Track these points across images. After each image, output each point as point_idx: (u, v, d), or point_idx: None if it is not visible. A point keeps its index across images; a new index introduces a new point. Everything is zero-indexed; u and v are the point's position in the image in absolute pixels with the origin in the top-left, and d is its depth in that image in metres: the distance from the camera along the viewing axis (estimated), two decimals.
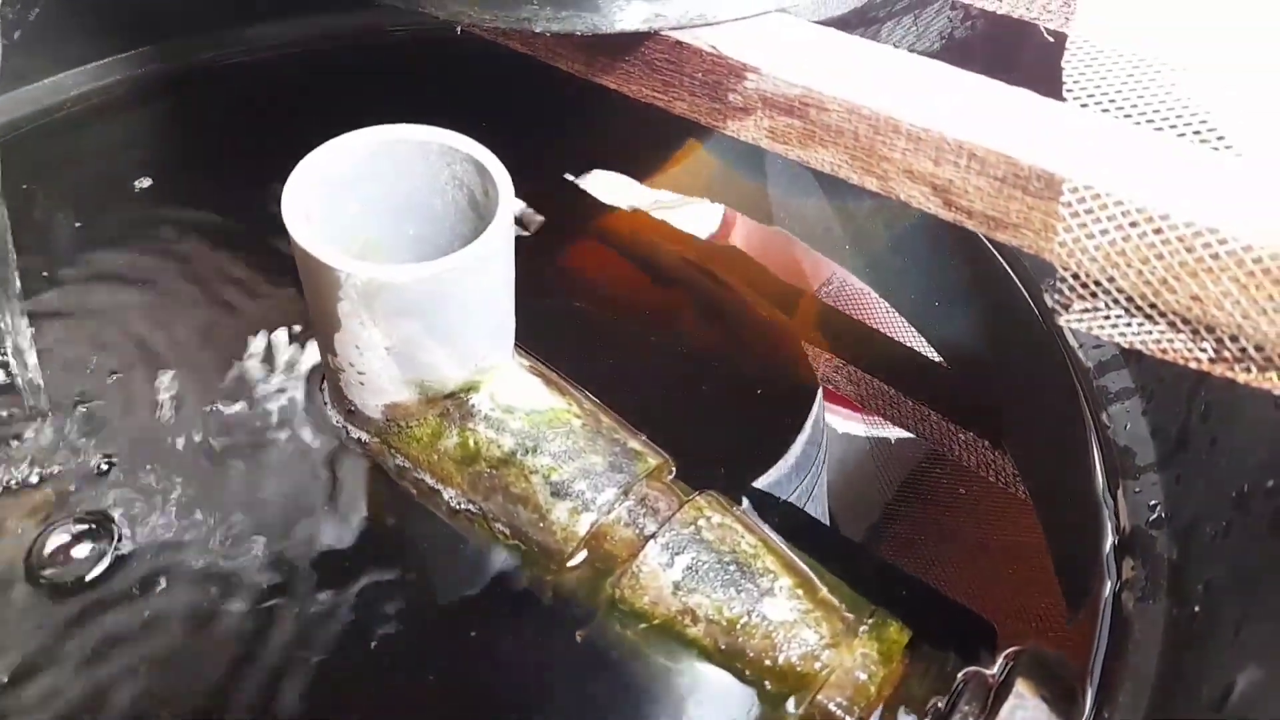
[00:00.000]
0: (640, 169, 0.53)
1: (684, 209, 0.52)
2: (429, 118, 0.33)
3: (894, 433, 0.45)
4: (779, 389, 0.45)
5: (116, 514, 0.34)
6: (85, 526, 0.33)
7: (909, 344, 0.48)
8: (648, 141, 0.54)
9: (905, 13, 0.46)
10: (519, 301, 0.35)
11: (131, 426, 0.36)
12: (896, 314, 0.49)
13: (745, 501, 0.37)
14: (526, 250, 0.47)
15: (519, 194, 0.49)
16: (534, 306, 0.43)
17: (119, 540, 0.33)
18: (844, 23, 0.48)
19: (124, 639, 0.31)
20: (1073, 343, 0.40)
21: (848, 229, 0.53)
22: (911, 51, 0.48)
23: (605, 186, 0.52)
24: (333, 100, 0.51)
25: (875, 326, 0.48)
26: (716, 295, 0.49)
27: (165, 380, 0.38)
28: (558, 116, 0.53)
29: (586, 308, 0.46)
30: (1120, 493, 0.34)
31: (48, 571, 0.32)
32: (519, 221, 0.47)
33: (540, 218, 0.47)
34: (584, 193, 0.51)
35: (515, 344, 0.36)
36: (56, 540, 0.33)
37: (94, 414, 0.37)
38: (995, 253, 0.46)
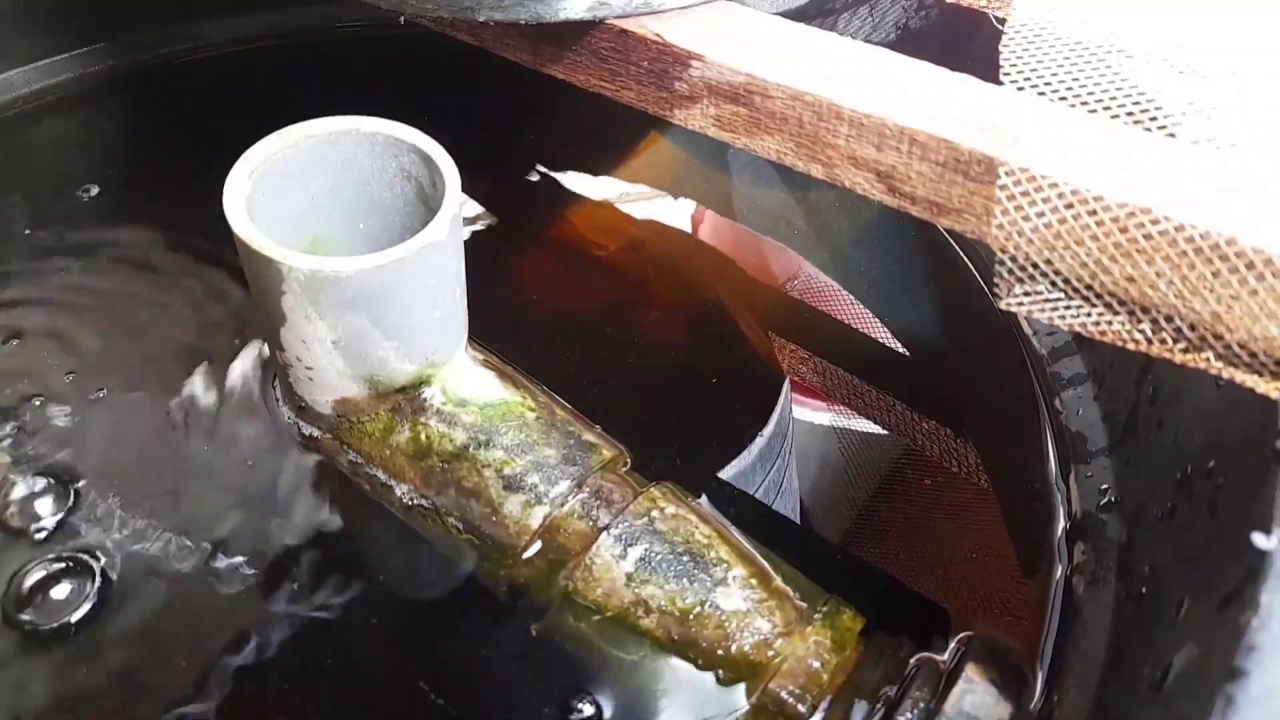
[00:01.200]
0: (604, 161, 0.52)
1: (654, 203, 0.52)
2: (391, 114, 0.33)
3: (863, 425, 0.45)
4: (744, 382, 0.45)
5: (66, 518, 0.34)
6: (28, 528, 0.33)
7: (873, 336, 0.48)
8: (612, 134, 0.54)
9: (861, 3, 0.46)
10: (477, 294, 0.35)
11: (82, 431, 0.36)
12: (861, 306, 0.49)
13: (707, 494, 0.37)
14: (489, 243, 0.48)
15: (484, 187, 0.49)
16: (494, 299, 0.43)
17: (69, 543, 0.33)
18: (801, 13, 0.48)
19: (71, 632, 0.31)
20: (1027, 330, 0.40)
21: (811, 221, 0.53)
22: (867, 41, 0.48)
23: (572, 179, 0.51)
24: (290, 97, 0.50)
25: (841, 319, 0.49)
26: (683, 289, 0.49)
27: (115, 383, 0.38)
28: (521, 109, 0.52)
29: (550, 301, 0.46)
30: (1072, 478, 0.35)
31: None
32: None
33: (494, 218, 0.47)
34: (550, 185, 0.51)
35: (471, 337, 0.36)
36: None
37: (42, 420, 0.36)
38: (952, 242, 0.46)
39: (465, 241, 0.47)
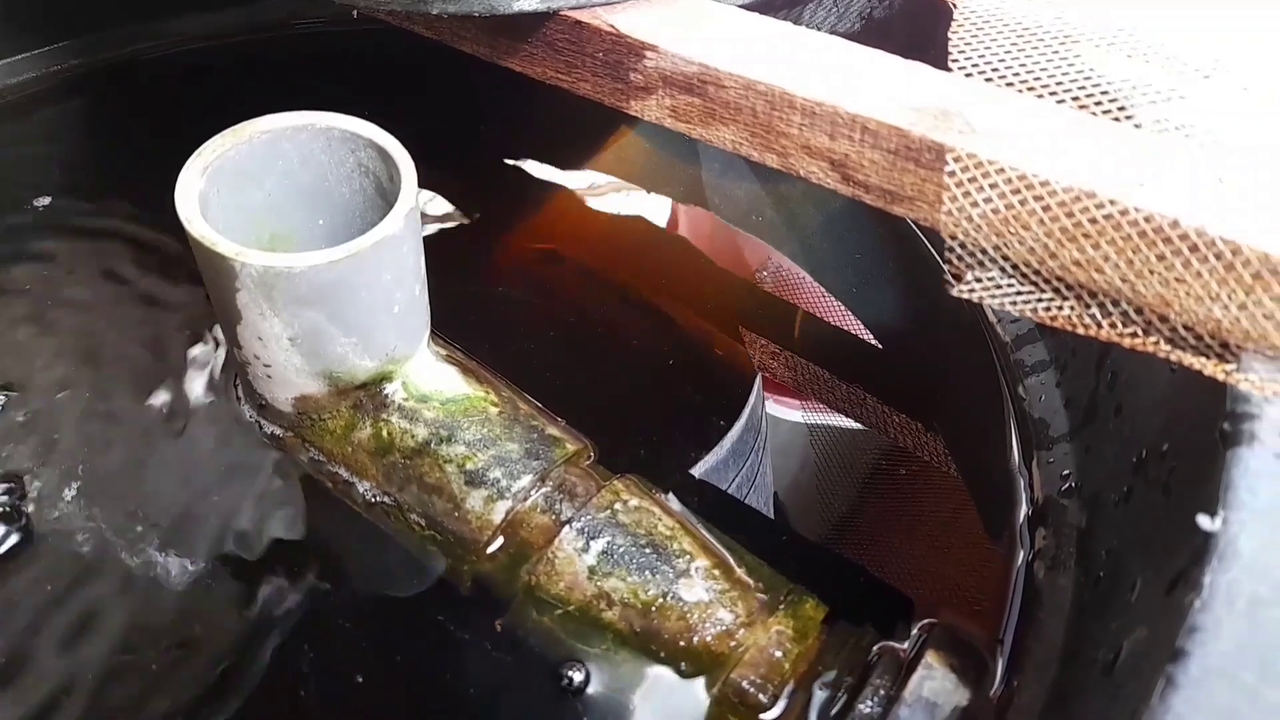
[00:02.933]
0: (575, 154, 0.52)
1: (632, 196, 0.51)
2: (359, 109, 0.32)
3: (836, 419, 0.45)
4: (716, 377, 0.45)
5: (26, 513, 0.33)
6: None
7: (843, 326, 0.48)
8: (582, 127, 0.53)
9: None
10: (444, 288, 0.35)
11: (38, 432, 0.36)
12: (831, 297, 0.49)
13: (678, 489, 0.37)
14: (457, 237, 0.47)
15: (454, 181, 0.49)
16: (461, 294, 0.43)
17: (29, 542, 0.33)
18: (768, 5, 0.48)
19: (30, 640, 0.31)
20: (991, 317, 0.40)
21: (780, 212, 0.53)
22: (833, 32, 0.48)
23: (542, 172, 0.51)
24: (253, 94, 0.50)
25: (811, 311, 0.49)
26: (654, 283, 0.49)
27: (74, 386, 0.37)
28: (490, 102, 0.52)
29: (518, 296, 0.46)
30: (1035, 464, 0.35)
31: None
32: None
33: (463, 213, 0.47)
34: (520, 179, 0.51)
35: (435, 332, 0.36)
36: None
37: (8, 423, 0.36)
38: (918, 231, 0.46)
39: (433, 236, 0.47)
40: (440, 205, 0.48)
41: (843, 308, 0.48)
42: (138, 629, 0.31)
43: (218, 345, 0.39)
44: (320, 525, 0.34)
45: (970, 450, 0.39)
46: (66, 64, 0.52)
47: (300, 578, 0.33)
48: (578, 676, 0.31)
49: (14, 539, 0.33)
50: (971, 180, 0.24)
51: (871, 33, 0.47)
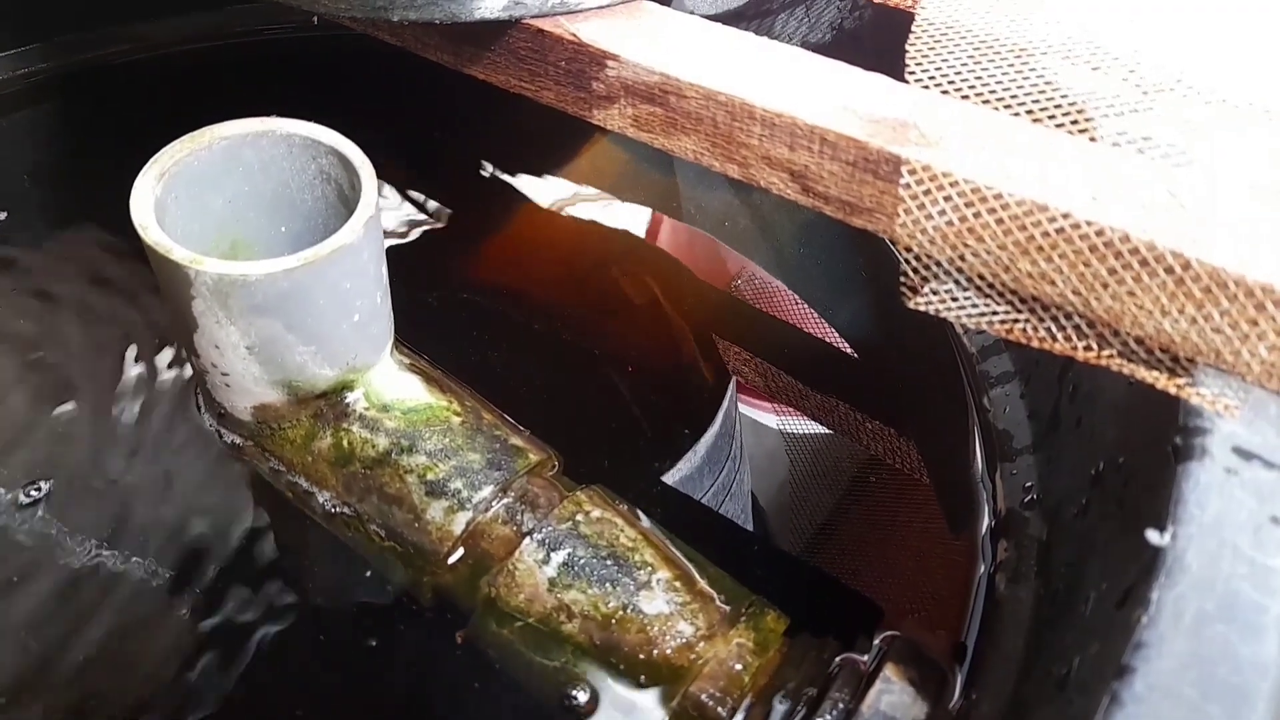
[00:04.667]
0: (549, 163, 0.52)
1: (609, 205, 0.51)
2: (331, 117, 0.32)
3: (811, 426, 0.45)
4: (689, 385, 0.45)
5: None
6: None
7: (817, 336, 0.48)
8: (556, 135, 0.53)
9: (797, 4, 0.46)
10: (412, 296, 0.34)
11: (3, 429, 0.35)
12: (805, 306, 0.49)
13: (647, 499, 0.37)
14: (428, 244, 0.47)
15: (426, 188, 0.48)
16: (430, 302, 0.42)
17: None
18: (739, 15, 0.48)
19: None
20: (958, 328, 0.40)
21: (755, 221, 0.53)
22: (804, 42, 0.49)
23: (515, 181, 0.51)
24: (222, 101, 0.50)
25: (785, 319, 0.49)
26: (628, 292, 0.49)
27: (35, 390, 0.37)
28: (463, 110, 0.52)
29: (490, 304, 0.45)
30: (998, 475, 0.35)
31: None
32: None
33: (434, 220, 0.47)
34: (492, 187, 0.51)
35: (401, 341, 0.35)
36: None
37: None
38: (888, 240, 0.46)
39: (403, 244, 0.47)
40: (410, 212, 0.48)
41: (816, 316, 0.48)
42: (89, 636, 0.31)
43: (178, 354, 0.38)
44: (279, 536, 0.34)
45: (937, 460, 0.39)
46: (34, 67, 0.51)
47: (259, 588, 0.33)
48: (539, 690, 0.30)
49: None
50: (926, 193, 0.24)
51: (843, 43, 0.47)
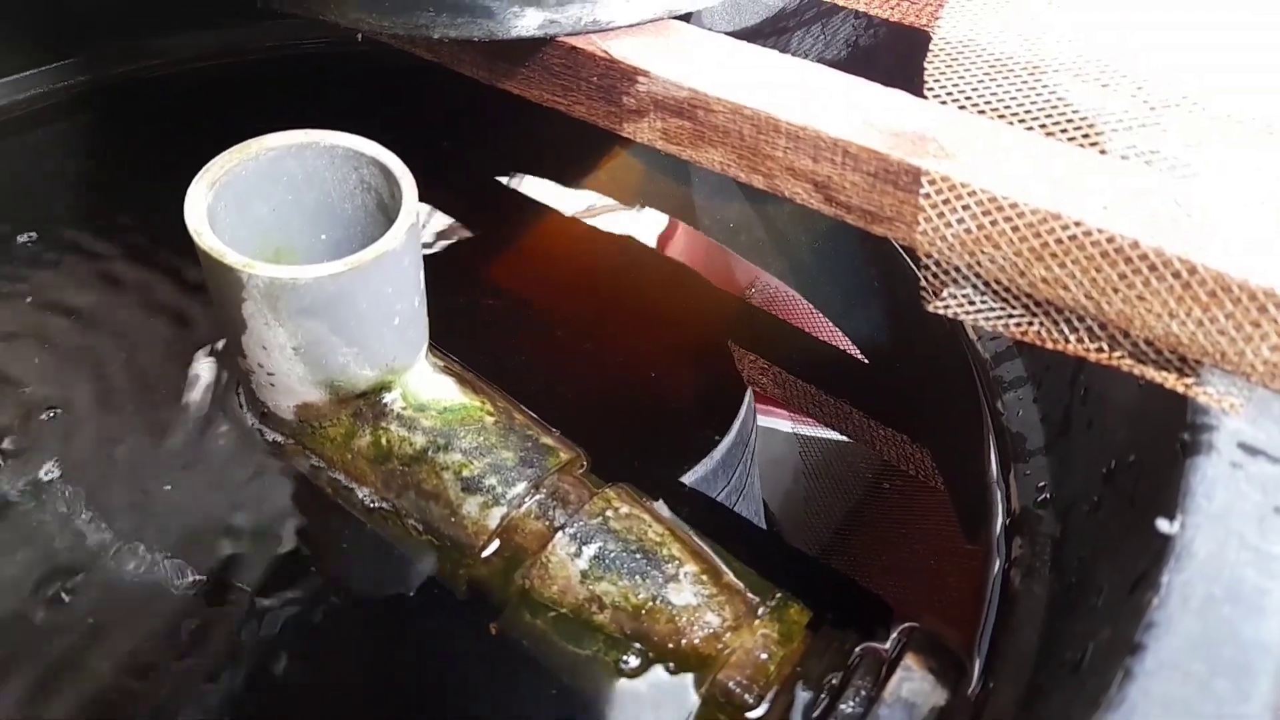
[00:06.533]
0: (569, 174, 0.54)
1: (621, 216, 0.53)
2: (355, 130, 0.34)
3: (823, 432, 0.46)
4: (707, 391, 0.46)
5: (32, 518, 0.34)
6: None
7: (830, 343, 0.49)
8: (576, 148, 0.55)
9: (813, 22, 0.48)
10: (442, 303, 0.36)
11: (40, 443, 0.37)
12: (819, 315, 0.51)
13: (667, 498, 0.38)
14: (455, 253, 0.49)
15: (450, 200, 0.50)
16: (458, 309, 0.44)
17: (30, 546, 0.33)
18: (757, 32, 0.50)
19: (29, 645, 0.31)
20: (971, 335, 0.41)
21: (770, 232, 0.54)
22: (820, 59, 0.50)
23: (537, 192, 0.53)
24: (250, 114, 0.51)
25: (799, 327, 0.50)
26: (647, 300, 0.50)
27: (79, 392, 0.38)
28: (486, 123, 0.53)
29: (514, 311, 0.47)
30: (1012, 475, 0.36)
31: None
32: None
33: (461, 230, 0.48)
34: (515, 198, 0.52)
35: (433, 344, 0.37)
36: None
37: (5, 424, 0.37)
38: (901, 250, 0.47)
39: (433, 252, 0.48)
40: (438, 221, 0.50)
41: (830, 324, 0.50)
42: (137, 633, 0.32)
43: (220, 356, 0.40)
44: (319, 530, 0.35)
45: (951, 463, 0.40)
46: (74, 80, 0.53)
47: (299, 581, 0.34)
48: (566, 684, 0.32)
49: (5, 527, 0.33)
50: (945, 202, 0.25)
51: (857, 60, 0.49)
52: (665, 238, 0.53)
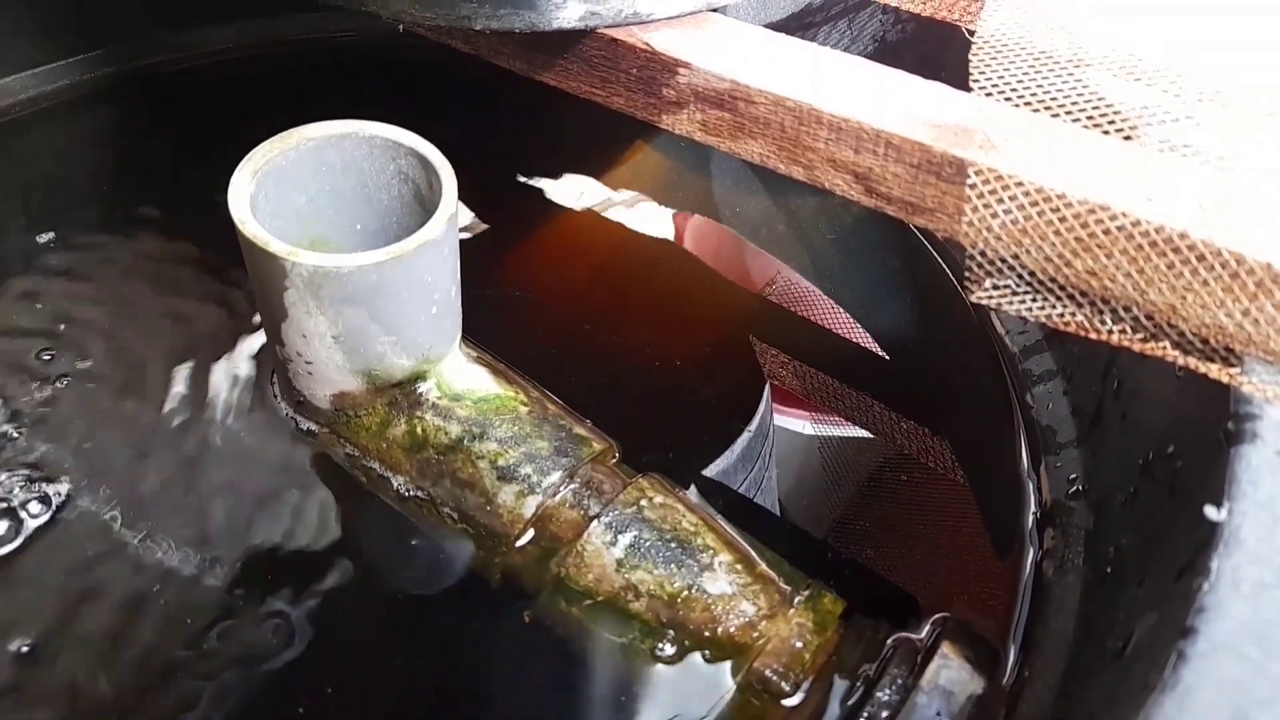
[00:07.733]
0: (591, 168, 0.54)
1: (637, 210, 0.53)
2: (382, 119, 0.34)
3: (842, 427, 0.46)
4: (727, 384, 0.46)
5: (56, 514, 0.34)
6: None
7: (851, 338, 0.49)
8: (598, 142, 0.55)
9: (841, 17, 0.48)
10: (470, 295, 0.36)
11: (80, 424, 0.37)
12: (840, 309, 0.51)
13: (693, 488, 0.38)
14: (480, 247, 0.49)
15: (473, 193, 0.50)
16: (486, 301, 0.44)
17: (60, 530, 0.34)
18: (784, 26, 0.50)
19: (64, 627, 0.32)
20: (1000, 329, 0.41)
21: (791, 227, 0.55)
22: (847, 53, 0.50)
23: (558, 186, 0.53)
24: (281, 105, 0.52)
25: (820, 322, 0.50)
26: (667, 294, 0.50)
27: (114, 379, 0.38)
28: (508, 117, 0.54)
29: (540, 304, 0.47)
30: (1042, 468, 0.36)
31: None
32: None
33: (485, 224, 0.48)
34: (537, 192, 0.52)
35: (465, 336, 0.37)
36: None
37: (32, 418, 0.37)
38: (927, 245, 0.48)
39: (459, 245, 0.49)
40: (460, 215, 0.50)
41: (852, 320, 0.50)
42: (171, 620, 0.32)
43: (253, 345, 0.40)
44: (354, 518, 0.36)
45: (980, 456, 0.41)
46: (100, 72, 0.53)
47: (333, 569, 0.34)
48: (608, 665, 0.32)
49: (43, 520, 0.34)
50: (992, 193, 0.25)
51: (884, 54, 0.49)
52: (677, 232, 0.53)
